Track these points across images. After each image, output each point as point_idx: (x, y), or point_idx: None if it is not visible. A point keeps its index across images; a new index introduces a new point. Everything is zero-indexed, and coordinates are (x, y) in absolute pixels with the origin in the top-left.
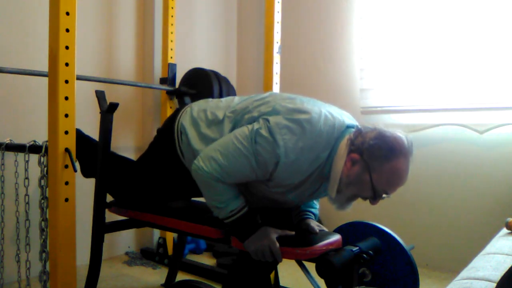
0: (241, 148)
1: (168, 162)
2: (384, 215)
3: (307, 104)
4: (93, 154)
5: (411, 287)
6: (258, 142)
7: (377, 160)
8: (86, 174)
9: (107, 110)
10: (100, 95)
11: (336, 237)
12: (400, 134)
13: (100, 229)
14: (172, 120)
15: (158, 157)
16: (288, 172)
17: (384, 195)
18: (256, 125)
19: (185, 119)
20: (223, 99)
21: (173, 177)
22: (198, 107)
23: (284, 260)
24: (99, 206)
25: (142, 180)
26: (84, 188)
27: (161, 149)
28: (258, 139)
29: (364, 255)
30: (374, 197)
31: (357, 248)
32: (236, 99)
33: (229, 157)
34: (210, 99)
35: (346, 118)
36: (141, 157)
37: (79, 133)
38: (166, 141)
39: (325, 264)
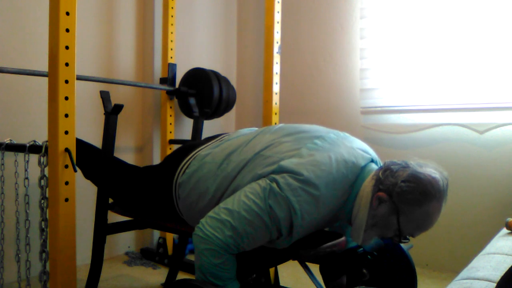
0: (252, 207)
1: (161, 197)
2: None
3: (316, 155)
4: (90, 156)
5: (408, 286)
6: (272, 199)
7: (408, 204)
8: (87, 175)
9: (112, 112)
10: (105, 96)
11: (340, 238)
12: (436, 174)
13: (102, 230)
14: (172, 170)
15: (153, 187)
16: (302, 231)
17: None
18: (266, 183)
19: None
20: (222, 159)
21: (159, 207)
22: (194, 173)
23: None
24: (101, 207)
25: (130, 191)
26: (84, 188)
27: (158, 187)
28: (271, 196)
29: (369, 256)
30: (399, 239)
31: (361, 248)
32: (236, 158)
33: (241, 218)
34: (212, 151)
35: (360, 152)
36: (142, 171)
37: None
38: (164, 186)
39: (330, 265)
